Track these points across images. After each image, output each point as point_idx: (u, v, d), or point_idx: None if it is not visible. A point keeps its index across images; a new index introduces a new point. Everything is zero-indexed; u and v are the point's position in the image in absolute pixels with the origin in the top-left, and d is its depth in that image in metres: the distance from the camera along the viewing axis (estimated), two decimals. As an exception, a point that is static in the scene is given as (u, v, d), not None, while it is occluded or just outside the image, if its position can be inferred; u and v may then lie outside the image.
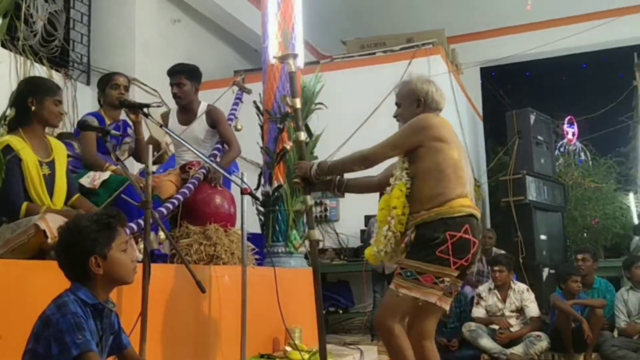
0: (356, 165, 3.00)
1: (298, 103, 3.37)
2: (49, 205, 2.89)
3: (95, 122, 3.61)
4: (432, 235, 2.69)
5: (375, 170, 3.12)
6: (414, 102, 2.94)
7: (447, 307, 2.82)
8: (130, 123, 3.93)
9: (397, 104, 3.05)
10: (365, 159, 2.94)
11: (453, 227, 2.69)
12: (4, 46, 5.30)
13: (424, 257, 2.69)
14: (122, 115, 4.01)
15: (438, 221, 2.70)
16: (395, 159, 2.96)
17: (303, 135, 3.33)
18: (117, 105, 3.86)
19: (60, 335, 1.85)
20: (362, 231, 6.85)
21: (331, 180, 3.15)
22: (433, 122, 2.83)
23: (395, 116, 3.06)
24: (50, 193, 2.94)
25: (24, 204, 2.81)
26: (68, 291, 1.97)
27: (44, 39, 6.07)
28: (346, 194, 7.63)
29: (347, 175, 3.20)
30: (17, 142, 2.84)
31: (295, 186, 3.40)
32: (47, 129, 3.11)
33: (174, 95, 4.24)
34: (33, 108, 2.92)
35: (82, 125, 3.25)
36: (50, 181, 2.94)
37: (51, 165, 2.98)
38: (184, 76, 4.21)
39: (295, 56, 3.47)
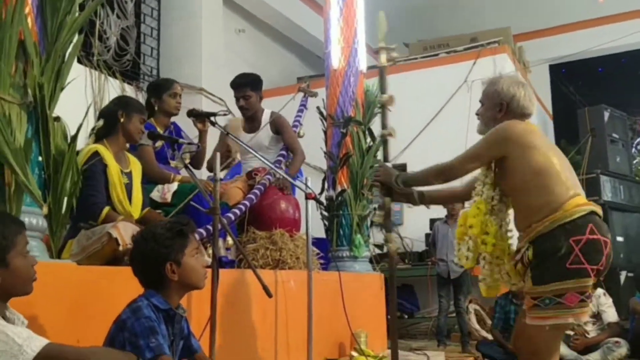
0: (433, 178, 2.79)
1: (386, 98, 3.18)
2: (129, 210, 3.04)
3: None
4: (555, 247, 2.37)
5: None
6: (497, 105, 2.69)
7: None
8: (182, 128, 4.04)
9: (481, 101, 2.81)
10: (442, 173, 2.72)
11: (575, 231, 2.36)
12: (79, 62, 5.57)
13: (555, 276, 2.36)
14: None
15: (556, 229, 2.38)
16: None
17: (392, 132, 3.14)
18: (174, 113, 3.96)
19: (134, 338, 1.92)
20: (427, 235, 6.77)
21: (411, 193, 2.93)
22: (517, 131, 2.56)
23: (477, 114, 2.83)
24: (129, 201, 3.09)
25: (106, 208, 2.94)
26: (142, 296, 2.05)
27: (117, 53, 6.35)
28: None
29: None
30: (103, 150, 3.03)
31: (374, 187, 3.23)
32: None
33: (241, 108, 4.31)
34: (122, 120, 3.13)
35: (152, 136, 3.35)
36: (128, 190, 3.10)
37: (129, 175, 3.15)
38: (249, 88, 4.27)
39: (389, 49, 3.32)
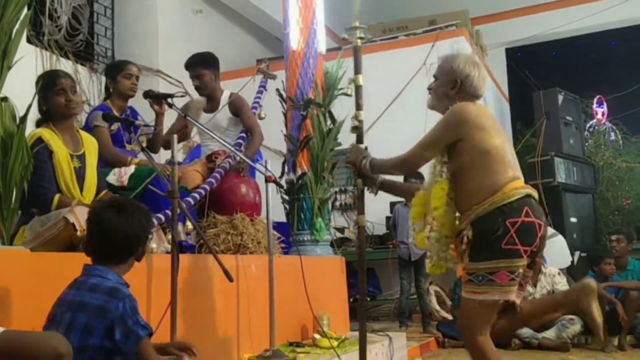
0: (395, 169, 2.82)
1: (360, 80, 3.16)
2: (79, 198, 2.92)
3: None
4: (492, 228, 2.46)
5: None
6: (451, 81, 2.69)
7: (518, 300, 2.58)
8: (139, 112, 3.95)
9: (434, 76, 2.80)
10: (404, 163, 2.73)
11: (511, 214, 2.46)
12: (29, 42, 5.36)
13: (490, 255, 2.47)
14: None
15: (494, 211, 2.47)
16: None
17: (362, 115, 3.13)
18: (130, 94, 3.86)
19: (122, 319, 1.88)
20: (388, 218, 6.82)
21: (373, 179, 2.96)
22: (471, 114, 2.59)
23: (429, 88, 2.82)
24: (81, 186, 2.97)
25: (56, 196, 2.84)
26: (99, 275, 1.98)
27: (69, 33, 6.14)
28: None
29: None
30: (48, 134, 2.87)
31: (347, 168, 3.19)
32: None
33: (196, 88, 4.26)
34: (44, 108, 2.95)
35: (107, 117, 3.25)
36: (80, 174, 2.97)
37: (82, 158, 3.00)
38: (201, 67, 4.22)
39: (363, 29, 3.23)
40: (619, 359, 4.97)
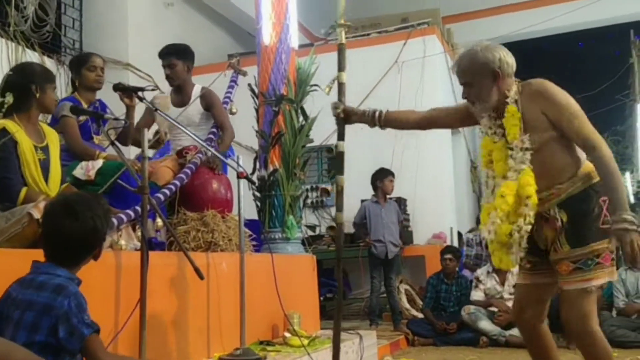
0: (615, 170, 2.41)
1: (344, 77, 3.12)
2: (45, 190, 2.86)
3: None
4: (589, 208, 2.38)
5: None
6: (489, 76, 2.53)
7: None
8: (108, 105, 3.88)
9: (466, 83, 2.62)
10: (606, 155, 2.39)
11: (601, 192, 2.39)
12: (-6, 33, 5.22)
13: (593, 236, 2.37)
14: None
15: (588, 189, 2.40)
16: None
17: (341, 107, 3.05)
18: (96, 87, 3.79)
19: (67, 317, 1.84)
20: (359, 216, 6.81)
21: (373, 116, 2.89)
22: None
23: (464, 97, 2.66)
24: (46, 178, 2.90)
25: (23, 189, 2.78)
26: (46, 274, 1.93)
27: (35, 24, 5.98)
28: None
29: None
30: (12, 125, 2.81)
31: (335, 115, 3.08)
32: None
33: (167, 77, 4.22)
34: (37, 95, 2.90)
35: (75, 110, 3.18)
36: (45, 166, 2.91)
37: (45, 150, 2.94)
38: (175, 57, 4.17)
39: (347, 26, 3.24)
40: (584, 355, 5.07)
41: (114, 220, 3.01)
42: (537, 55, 11.87)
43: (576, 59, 11.91)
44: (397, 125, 3.07)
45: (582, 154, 2.46)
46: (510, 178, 2.47)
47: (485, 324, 5.43)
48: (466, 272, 6.51)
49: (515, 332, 5.30)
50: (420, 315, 5.99)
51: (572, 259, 2.40)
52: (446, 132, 7.73)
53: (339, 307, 3.00)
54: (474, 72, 2.57)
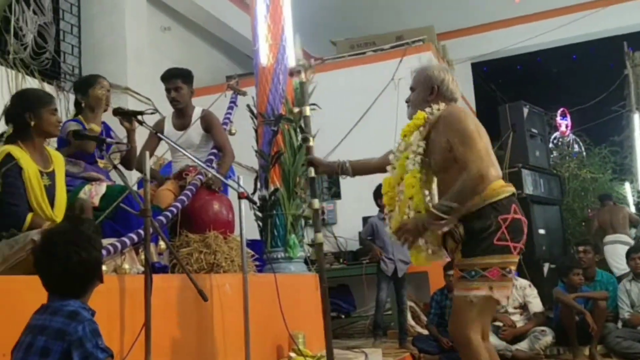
0: (478, 187, 2.55)
1: (308, 111, 3.40)
2: (50, 215, 2.85)
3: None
4: (485, 225, 2.53)
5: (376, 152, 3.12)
6: (427, 88, 2.84)
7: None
8: (112, 128, 3.89)
9: (411, 88, 2.96)
10: (481, 177, 2.53)
11: (502, 210, 2.53)
12: (-6, 61, 5.26)
13: (483, 250, 2.52)
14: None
15: (486, 207, 2.54)
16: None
17: (311, 141, 3.33)
18: (100, 108, 3.78)
19: (81, 342, 1.82)
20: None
21: (337, 166, 3.12)
22: (466, 113, 2.72)
23: (407, 101, 2.97)
24: (51, 204, 2.90)
25: (29, 215, 2.77)
26: (62, 303, 1.92)
27: (35, 51, 6.02)
28: (343, 197, 7.66)
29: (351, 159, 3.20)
30: (17, 151, 2.81)
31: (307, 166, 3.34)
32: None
33: (172, 100, 4.22)
34: (32, 123, 2.89)
35: (78, 135, 3.19)
36: (50, 192, 2.90)
37: (51, 176, 2.94)
38: (180, 80, 4.20)
39: (309, 66, 3.45)
40: (591, 368, 5.05)
41: (117, 245, 3.01)
42: (531, 70, 11.97)
43: (571, 72, 11.98)
44: (362, 172, 3.26)
45: (492, 173, 2.55)
46: (391, 174, 2.81)
47: (491, 339, 5.39)
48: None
49: (521, 346, 5.29)
50: (425, 332, 5.95)
51: (460, 267, 2.60)
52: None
53: (327, 328, 3.20)
54: (419, 81, 2.90)
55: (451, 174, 2.64)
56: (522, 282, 5.70)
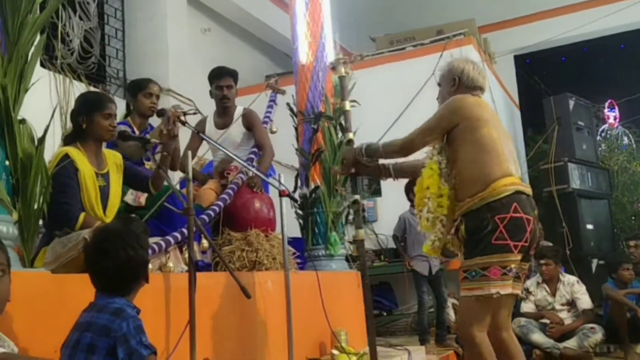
0: (395, 153, 2.95)
1: (347, 105, 3.44)
2: (102, 218, 2.91)
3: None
4: (481, 224, 2.57)
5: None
6: (450, 81, 2.91)
7: (519, 292, 2.76)
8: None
9: (439, 84, 3.04)
10: (402, 147, 2.89)
11: (500, 210, 2.56)
12: (43, 66, 5.41)
13: (481, 251, 2.57)
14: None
15: (482, 207, 2.58)
16: None
17: (351, 135, 3.32)
18: (148, 114, 3.86)
19: (125, 339, 1.87)
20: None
21: (377, 166, 3.11)
22: (467, 102, 2.75)
23: (437, 98, 3.05)
24: (104, 206, 2.96)
25: (82, 215, 2.81)
26: (109, 300, 1.98)
27: (81, 56, 6.19)
28: (384, 194, 7.63)
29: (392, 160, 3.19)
30: (74, 152, 2.88)
31: (343, 173, 3.37)
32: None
33: (223, 97, 4.27)
34: (84, 126, 2.95)
35: (123, 136, 3.26)
36: (105, 193, 2.97)
37: (106, 177, 3.01)
38: (232, 78, 4.29)
39: (345, 61, 3.49)
40: (643, 367, 4.90)
41: (162, 243, 3.07)
42: (577, 61, 11.65)
43: (618, 62, 11.61)
44: (410, 173, 3.24)
45: (495, 173, 2.61)
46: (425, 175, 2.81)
47: (538, 337, 5.29)
48: (515, 284, 6.37)
49: (569, 344, 5.17)
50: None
51: (463, 268, 2.65)
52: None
53: (369, 325, 3.20)
54: (442, 76, 2.99)
55: (459, 165, 2.71)
56: (570, 278, 5.57)
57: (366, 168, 3.11)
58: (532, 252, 2.75)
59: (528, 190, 2.69)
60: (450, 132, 2.73)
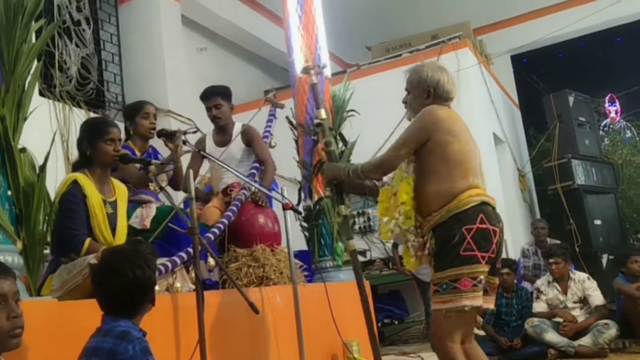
0: (372, 173, 2.86)
1: (323, 114, 3.33)
2: (111, 243, 2.90)
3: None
4: (449, 236, 2.56)
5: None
6: (423, 92, 2.80)
7: (492, 306, 2.73)
8: (160, 151, 3.97)
9: (406, 89, 2.91)
10: (380, 166, 2.81)
11: (466, 221, 2.55)
12: (42, 94, 5.45)
13: (450, 263, 2.55)
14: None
15: (450, 219, 2.56)
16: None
17: (333, 145, 3.31)
18: (149, 135, 3.88)
19: None
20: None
21: (363, 185, 3.02)
22: (441, 116, 2.69)
23: (404, 102, 2.92)
24: (113, 233, 2.96)
25: (87, 240, 2.81)
26: (114, 323, 1.99)
27: (79, 82, 6.24)
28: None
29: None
30: (82, 178, 2.89)
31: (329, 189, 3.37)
32: None
33: (214, 118, 4.29)
34: (88, 152, 2.97)
35: (124, 159, 3.27)
36: (112, 221, 2.96)
37: (113, 205, 3.01)
38: (220, 97, 4.27)
39: (317, 67, 3.43)
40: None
41: (168, 264, 3.07)
42: (574, 57, 11.64)
43: (616, 56, 11.59)
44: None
45: (461, 186, 2.60)
46: (387, 184, 2.82)
47: (552, 336, 5.24)
48: (526, 284, 6.35)
49: (584, 341, 5.12)
50: (482, 333, 5.84)
51: (434, 282, 2.61)
52: (489, 142, 7.61)
53: (371, 335, 3.16)
54: (414, 84, 2.85)
55: (424, 179, 2.68)
56: (581, 275, 5.53)
57: (351, 186, 3.09)
58: (499, 265, 2.77)
59: (493, 202, 2.69)
60: (422, 146, 2.69)
